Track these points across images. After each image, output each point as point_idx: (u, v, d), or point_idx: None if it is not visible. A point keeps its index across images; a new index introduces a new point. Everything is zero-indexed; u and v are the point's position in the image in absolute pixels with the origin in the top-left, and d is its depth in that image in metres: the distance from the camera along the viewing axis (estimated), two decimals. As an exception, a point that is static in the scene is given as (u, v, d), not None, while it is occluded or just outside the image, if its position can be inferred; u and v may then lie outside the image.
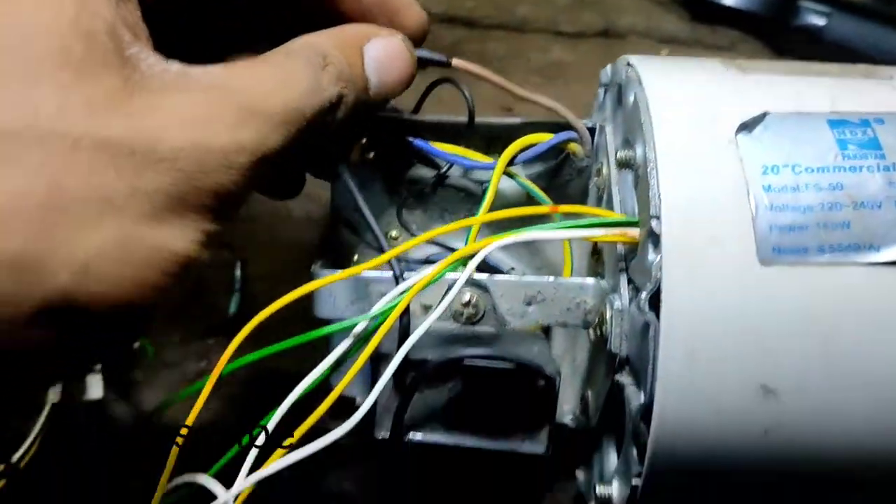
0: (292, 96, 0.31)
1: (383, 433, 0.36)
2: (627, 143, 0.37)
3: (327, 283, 0.37)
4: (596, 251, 0.43)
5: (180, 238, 0.28)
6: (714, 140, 0.33)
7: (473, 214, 0.41)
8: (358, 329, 0.34)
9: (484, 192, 0.41)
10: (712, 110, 0.34)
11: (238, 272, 0.54)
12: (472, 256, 0.35)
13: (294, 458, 0.33)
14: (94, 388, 0.48)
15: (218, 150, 0.28)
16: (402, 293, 0.34)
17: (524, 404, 0.36)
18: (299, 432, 0.34)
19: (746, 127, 0.34)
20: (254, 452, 0.33)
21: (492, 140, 0.45)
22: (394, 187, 0.46)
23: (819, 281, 0.32)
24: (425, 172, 0.45)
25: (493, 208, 0.40)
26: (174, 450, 0.32)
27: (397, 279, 0.35)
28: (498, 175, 0.40)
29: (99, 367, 0.49)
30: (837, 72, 0.38)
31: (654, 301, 0.32)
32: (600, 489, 0.38)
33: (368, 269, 0.36)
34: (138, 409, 0.50)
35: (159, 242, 0.27)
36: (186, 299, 0.54)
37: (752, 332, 0.32)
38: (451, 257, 0.34)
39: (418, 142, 0.42)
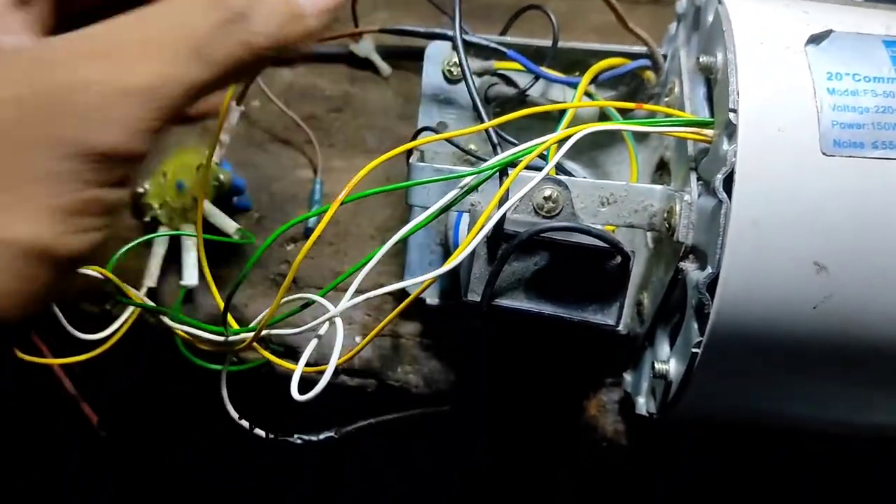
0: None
1: (474, 297, 0.40)
2: (706, 54, 0.41)
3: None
4: (659, 168, 0.48)
5: (23, 221, 0.22)
6: (785, 48, 0.38)
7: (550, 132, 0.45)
8: (466, 181, 0.39)
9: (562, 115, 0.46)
10: (784, 24, 0.39)
11: (318, 186, 0.59)
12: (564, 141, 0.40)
13: (391, 288, 0.38)
14: (190, 275, 0.53)
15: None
16: (502, 159, 0.39)
17: (600, 279, 0.40)
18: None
19: (814, 40, 0.39)
20: (358, 279, 0.37)
21: (570, 65, 0.50)
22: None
23: (872, 172, 0.37)
24: (506, 90, 0.50)
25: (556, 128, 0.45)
26: (292, 269, 0.36)
27: (495, 147, 0.40)
28: (584, 86, 0.45)
29: (194, 255, 0.53)
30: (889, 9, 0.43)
31: (727, 183, 0.37)
32: (658, 366, 0.42)
33: (464, 134, 0.40)
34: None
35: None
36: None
37: (810, 213, 0.36)
38: (553, 137, 0.39)
39: (512, 53, 0.46)
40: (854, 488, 0.58)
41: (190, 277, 0.53)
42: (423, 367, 0.53)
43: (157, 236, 0.52)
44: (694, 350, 0.39)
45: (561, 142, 0.40)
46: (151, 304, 0.41)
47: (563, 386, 0.53)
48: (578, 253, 0.40)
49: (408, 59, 0.67)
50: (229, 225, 0.52)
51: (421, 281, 0.38)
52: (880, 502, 0.59)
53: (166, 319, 0.40)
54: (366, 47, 0.66)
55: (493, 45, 0.48)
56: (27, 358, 0.49)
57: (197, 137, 0.62)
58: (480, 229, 0.38)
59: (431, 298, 0.53)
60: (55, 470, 0.64)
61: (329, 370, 0.35)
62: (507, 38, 0.49)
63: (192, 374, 0.50)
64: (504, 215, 0.39)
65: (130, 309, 0.51)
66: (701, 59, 0.40)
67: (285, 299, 0.38)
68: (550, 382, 0.53)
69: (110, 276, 0.42)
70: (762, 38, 0.39)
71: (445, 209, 0.39)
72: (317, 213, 0.38)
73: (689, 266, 0.41)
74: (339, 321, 0.37)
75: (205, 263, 0.40)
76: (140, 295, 0.42)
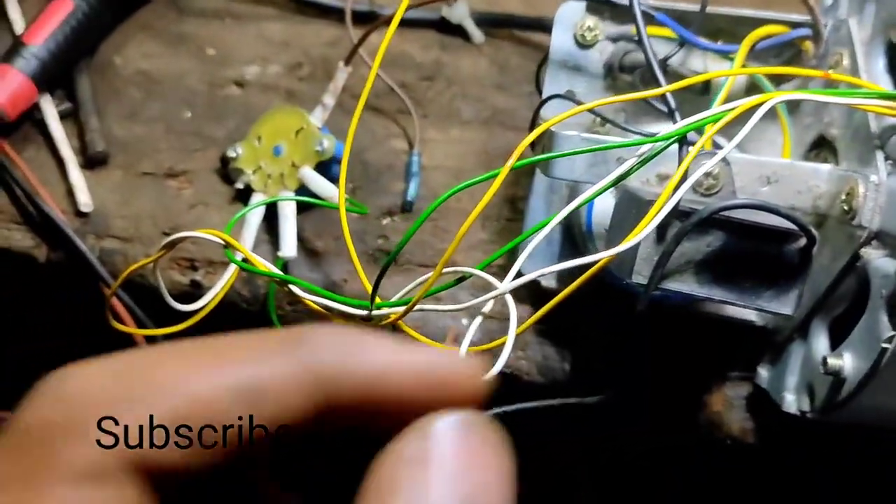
0: None
1: (640, 279, 0.37)
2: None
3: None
4: (817, 146, 0.44)
5: None
6: None
7: (696, 103, 0.42)
8: (643, 149, 0.35)
9: (716, 86, 0.43)
10: None
11: (416, 158, 0.55)
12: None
13: (559, 267, 0.34)
14: (289, 246, 0.49)
15: None
16: (682, 128, 0.35)
17: (778, 264, 0.37)
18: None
19: None
20: (523, 256, 0.34)
21: (714, 33, 0.46)
22: (609, 72, 0.48)
23: None
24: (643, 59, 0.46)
25: (712, 100, 0.42)
26: (457, 236, 0.33)
27: (672, 114, 0.36)
28: (743, 54, 0.41)
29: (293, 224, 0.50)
30: None
31: (941, 162, 0.33)
32: (832, 361, 0.39)
33: (624, 100, 0.37)
34: (327, 277, 0.51)
35: None
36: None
37: None
38: (742, 105, 0.35)
39: (662, 17, 0.43)
40: (872, 488, 0.56)
41: (288, 248, 0.49)
42: (536, 353, 0.50)
43: (283, 199, 0.48)
44: (884, 345, 0.35)
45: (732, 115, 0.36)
46: (279, 272, 0.37)
47: (684, 378, 0.49)
48: (757, 234, 0.36)
49: (501, 26, 0.63)
50: (335, 193, 0.48)
51: (597, 259, 0.34)
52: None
53: (297, 290, 0.36)
54: (459, 12, 0.62)
55: (642, 8, 0.44)
56: (119, 327, 0.45)
57: (283, 99, 0.59)
58: (662, 206, 0.34)
59: (547, 281, 0.49)
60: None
61: (507, 348, 0.32)
62: (652, 2, 0.46)
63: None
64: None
65: (224, 279, 0.48)
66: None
67: (446, 270, 0.34)
68: (671, 374, 0.49)
69: (233, 241, 0.38)
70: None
71: (619, 180, 0.35)
72: (480, 181, 0.34)
73: (873, 253, 0.37)
74: (509, 298, 0.34)
75: (347, 236, 0.36)
76: (266, 263, 0.38)
